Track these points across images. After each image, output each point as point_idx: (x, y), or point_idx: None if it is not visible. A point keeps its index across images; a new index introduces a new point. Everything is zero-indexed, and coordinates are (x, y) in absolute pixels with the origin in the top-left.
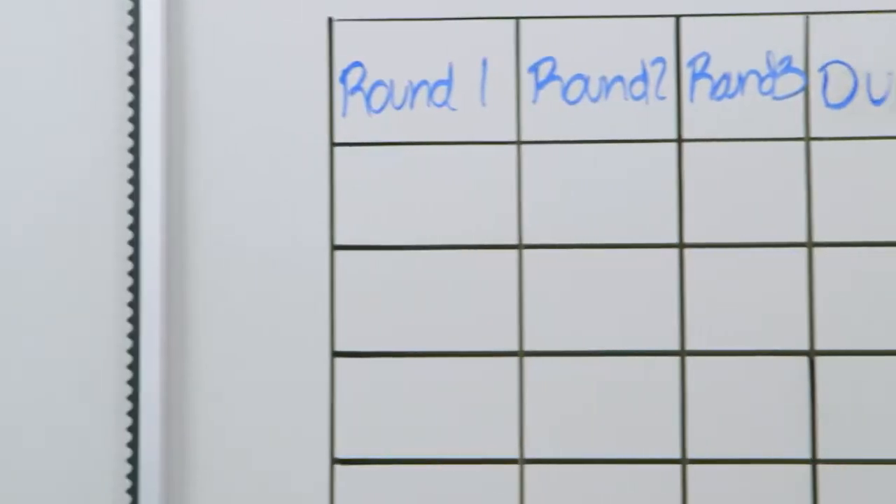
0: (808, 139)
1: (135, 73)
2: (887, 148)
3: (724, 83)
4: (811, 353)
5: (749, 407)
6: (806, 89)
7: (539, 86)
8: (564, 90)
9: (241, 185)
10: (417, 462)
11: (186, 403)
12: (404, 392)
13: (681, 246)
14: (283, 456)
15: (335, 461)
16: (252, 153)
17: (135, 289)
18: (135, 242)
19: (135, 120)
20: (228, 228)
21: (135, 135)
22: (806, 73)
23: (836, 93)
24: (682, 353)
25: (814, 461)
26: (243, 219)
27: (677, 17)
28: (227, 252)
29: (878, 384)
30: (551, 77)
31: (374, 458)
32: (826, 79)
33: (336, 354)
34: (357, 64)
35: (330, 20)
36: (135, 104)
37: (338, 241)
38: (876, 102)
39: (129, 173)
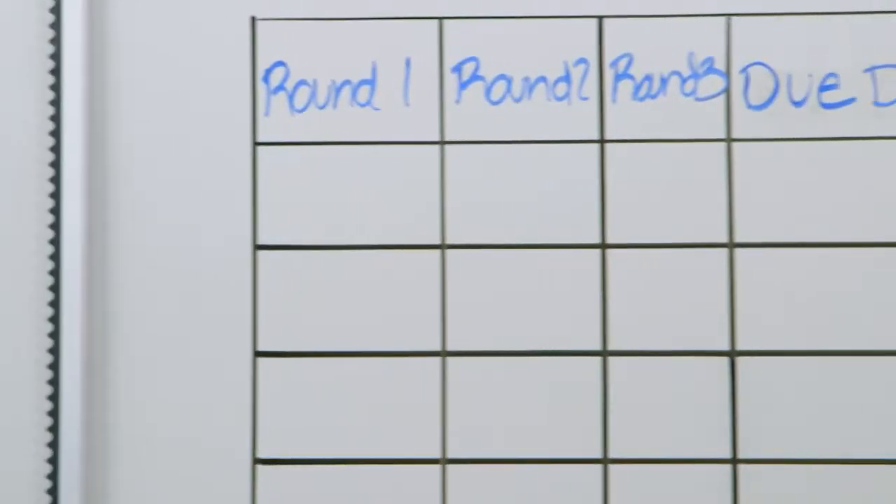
0: (729, 140)
1: (56, 72)
2: (808, 149)
3: (646, 84)
4: (732, 354)
5: (670, 407)
6: (727, 91)
7: (462, 86)
8: (488, 90)
9: (162, 184)
10: (339, 462)
11: (107, 403)
12: (327, 392)
13: (603, 246)
14: (204, 456)
15: (257, 461)
16: (174, 153)
17: (56, 289)
18: (56, 241)
19: (56, 118)
20: (150, 228)
21: (56, 133)
22: (727, 74)
23: (758, 94)
24: (604, 354)
25: (734, 461)
26: (165, 218)
27: (600, 17)
28: (149, 252)
29: (799, 384)
30: (474, 77)
31: (296, 458)
32: (747, 80)
33: (258, 354)
34: (280, 63)
35: (253, 19)
36: (56, 103)
37: (260, 241)
38: (797, 104)
39: (50, 172)
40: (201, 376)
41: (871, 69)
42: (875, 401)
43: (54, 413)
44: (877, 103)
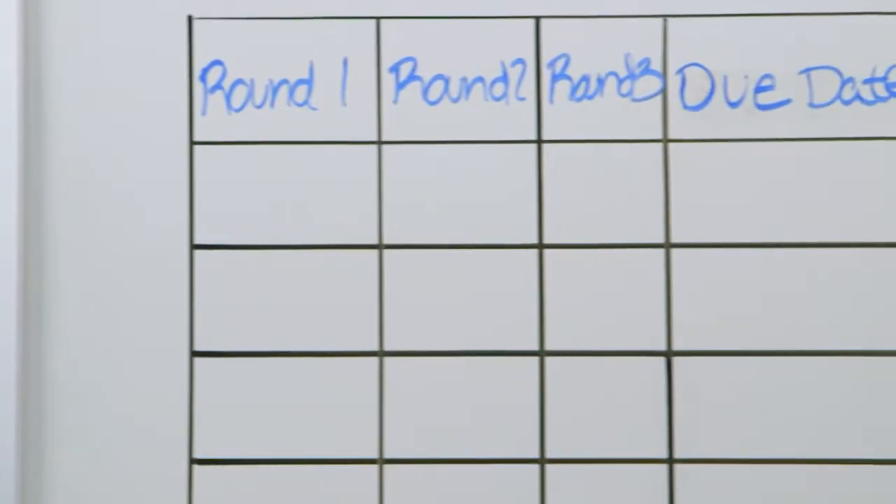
0: (665, 141)
1: None
2: (744, 150)
3: (583, 85)
4: (668, 354)
5: (607, 407)
6: (664, 91)
7: (400, 86)
8: (425, 90)
9: (99, 183)
10: (277, 462)
11: (43, 404)
12: (264, 392)
13: (540, 246)
14: (141, 456)
15: (193, 461)
16: (110, 152)
17: None
18: None
19: None
20: (87, 228)
21: None
22: (664, 75)
23: (694, 95)
24: (542, 354)
25: (670, 461)
26: (102, 217)
27: (537, 18)
28: (85, 252)
29: (734, 384)
30: (412, 77)
31: (233, 458)
32: (684, 81)
33: (195, 354)
34: (217, 62)
35: (190, 18)
36: None
37: (197, 241)
38: (733, 105)
39: None
40: (138, 376)
41: (807, 71)
42: (810, 401)
43: None
44: (812, 105)
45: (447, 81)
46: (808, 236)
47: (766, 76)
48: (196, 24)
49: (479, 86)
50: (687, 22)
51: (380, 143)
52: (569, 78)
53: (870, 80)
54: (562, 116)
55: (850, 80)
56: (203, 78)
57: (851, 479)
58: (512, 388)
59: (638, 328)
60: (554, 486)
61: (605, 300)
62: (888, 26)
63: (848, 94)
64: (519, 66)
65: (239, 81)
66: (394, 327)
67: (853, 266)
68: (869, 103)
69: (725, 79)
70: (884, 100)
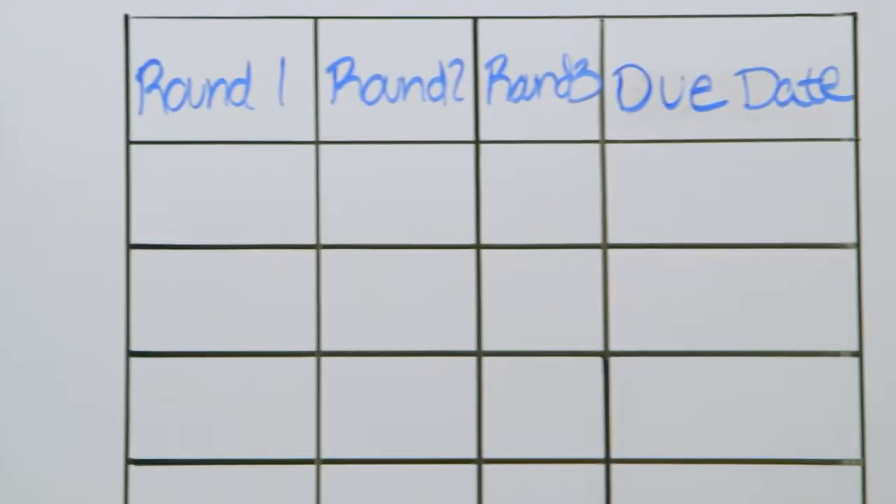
0: (602, 142)
1: None
2: (681, 151)
3: (521, 85)
4: (605, 354)
5: (544, 407)
6: (601, 92)
7: (337, 86)
8: (363, 90)
9: (34, 182)
10: (214, 462)
11: None
12: (201, 392)
13: (478, 247)
14: (76, 457)
15: (129, 461)
16: (46, 151)
17: None
18: None
19: None
20: (22, 227)
21: None
22: (601, 76)
23: (631, 96)
24: (479, 354)
25: (607, 461)
26: (37, 218)
27: (475, 18)
28: (21, 250)
29: (671, 384)
30: (349, 77)
31: (170, 458)
32: (621, 82)
33: (131, 354)
34: (154, 62)
35: (126, 17)
36: None
37: (134, 241)
38: (669, 106)
39: None
40: (74, 376)
41: (742, 72)
42: (746, 401)
43: None
44: (748, 106)
45: (385, 81)
46: (745, 237)
47: (703, 77)
48: (132, 22)
49: (416, 86)
50: (624, 23)
51: (317, 142)
52: (506, 78)
53: (805, 82)
54: (499, 117)
55: (786, 81)
56: (140, 77)
57: (789, 480)
58: (449, 388)
59: (575, 328)
60: (491, 486)
61: (542, 300)
62: (824, 28)
63: (783, 95)
64: (457, 67)
65: (176, 81)
66: (331, 327)
67: (789, 267)
68: (804, 105)
69: (662, 80)
70: (819, 101)
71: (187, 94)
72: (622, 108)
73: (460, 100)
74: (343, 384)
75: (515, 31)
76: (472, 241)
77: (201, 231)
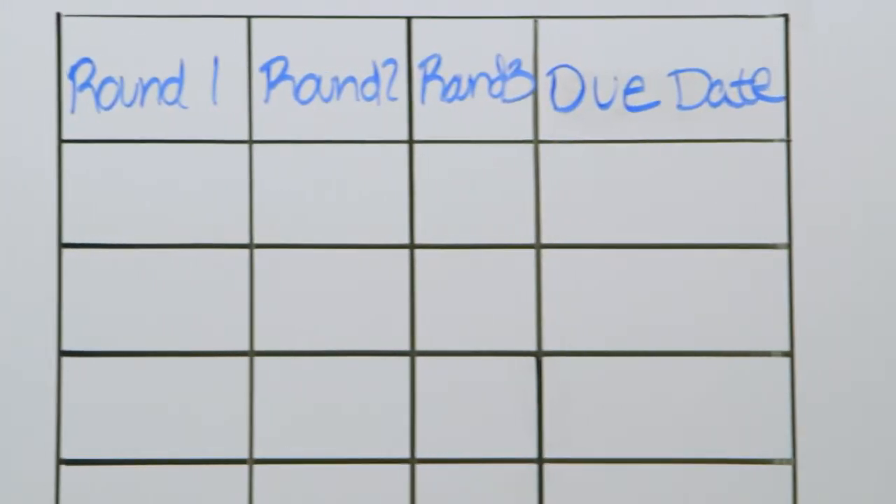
0: (536, 142)
1: None
2: (614, 151)
3: (454, 85)
4: (538, 354)
5: (477, 407)
6: (535, 92)
7: (271, 85)
8: (296, 90)
9: None
10: (145, 462)
11: None
12: (133, 392)
13: (411, 247)
14: (7, 456)
15: (61, 461)
16: None
17: None
18: None
19: None
20: None
21: None
22: (535, 76)
23: (564, 96)
24: (412, 354)
25: (540, 461)
26: None
27: (409, 18)
28: None
29: (604, 384)
30: (283, 76)
31: (101, 458)
32: (554, 82)
33: (63, 354)
34: (86, 60)
35: (58, 15)
36: None
37: (66, 240)
38: (602, 106)
39: None
40: (4, 376)
41: (675, 73)
42: (678, 401)
43: None
44: (680, 107)
45: (318, 81)
46: (677, 237)
47: (636, 78)
48: (64, 21)
49: (350, 85)
50: (557, 23)
51: (251, 142)
52: (440, 78)
53: (737, 83)
54: (433, 117)
55: (719, 82)
56: (72, 76)
57: (721, 479)
58: (382, 388)
59: (508, 328)
60: (424, 485)
61: (475, 300)
62: (756, 29)
63: (716, 96)
64: (390, 66)
65: (108, 79)
66: (264, 327)
67: (721, 267)
68: (736, 105)
69: (595, 80)
70: (751, 102)
71: (120, 93)
72: (556, 108)
73: (394, 99)
74: (275, 384)
75: (449, 31)
76: (405, 240)
77: (133, 230)
